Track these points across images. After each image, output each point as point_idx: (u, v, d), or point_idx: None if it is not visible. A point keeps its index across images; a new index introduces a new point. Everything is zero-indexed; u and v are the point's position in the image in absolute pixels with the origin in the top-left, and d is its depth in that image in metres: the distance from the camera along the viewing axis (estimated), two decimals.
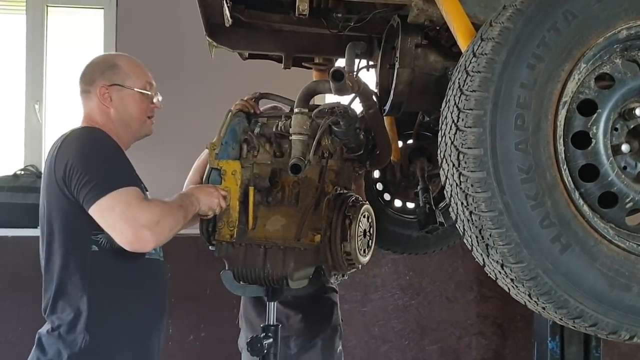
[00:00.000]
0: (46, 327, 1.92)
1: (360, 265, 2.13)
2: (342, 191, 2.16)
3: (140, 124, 2.09)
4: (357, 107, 2.19)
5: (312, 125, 2.10)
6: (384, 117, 2.56)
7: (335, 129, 2.11)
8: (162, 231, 1.83)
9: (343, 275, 2.21)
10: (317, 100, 2.37)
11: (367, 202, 2.17)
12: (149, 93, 2.09)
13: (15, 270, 3.40)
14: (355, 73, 2.18)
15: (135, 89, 2.05)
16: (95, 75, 2.03)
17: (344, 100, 2.17)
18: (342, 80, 1.81)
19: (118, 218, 1.78)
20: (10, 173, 3.56)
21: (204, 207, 2.00)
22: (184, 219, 1.92)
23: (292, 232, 2.12)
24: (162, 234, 1.83)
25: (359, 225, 2.06)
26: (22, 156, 3.73)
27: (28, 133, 3.73)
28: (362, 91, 2.09)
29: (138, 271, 1.98)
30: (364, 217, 2.12)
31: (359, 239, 2.07)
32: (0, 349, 3.42)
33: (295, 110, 2.08)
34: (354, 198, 2.13)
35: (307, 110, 2.08)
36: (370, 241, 2.18)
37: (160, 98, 2.15)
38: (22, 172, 3.57)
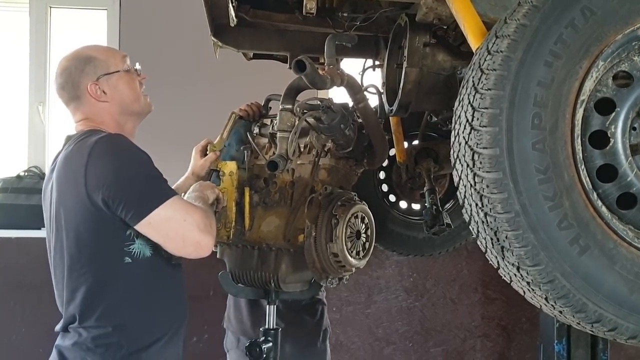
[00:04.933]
0: (68, 340, 1.82)
1: (353, 268, 2.06)
2: (334, 190, 2.10)
3: (140, 104, 1.99)
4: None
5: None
6: (391, 118, 2.54)
7: (319, 125, 2.06)
8: (214, 232, 1.83)
9: (340, 279, 2.14)
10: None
11: (363, 203, 2.12)
12: (131, 67, 1.98)
13: (19, 272, 3.37)
14: (338, 66, 2.11)
15: (121, 70, 1.94)
16: (77, 78, 1.90)
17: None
18: (306, 71, 1.74)
19: (179, 227, 1.75)
20: (14, 174, 3.52)
21: (212, 197, 1.99)
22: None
23: (284, 233, 2.09)
24: (215, 235, 1.83)
25: (347, 226, 2.00)
26: (25, 157, 3.70)
27: (31, 134, 3.70)
28: (348, 84, 2.04)
29: (168, 279, 1.94)
30: (356, 217, 2.05)
31: (348, 240, 2.01)
32: (4, 350, 3.39)
33: (280, 107, 2.04)
34: (345, 197, 2.07)
35: (291, 107, 2.03)
36: (367, 243, 2.12)
37: (139, 66, 2.02)
38: (26, 174, 3.54)
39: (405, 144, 2.76)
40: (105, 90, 1.91)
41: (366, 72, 2.52)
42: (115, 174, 1.73)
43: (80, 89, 1.91)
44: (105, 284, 1.81)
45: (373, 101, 2.29)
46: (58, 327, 1.88)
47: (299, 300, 2.58)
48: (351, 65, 2.79)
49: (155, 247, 1.85)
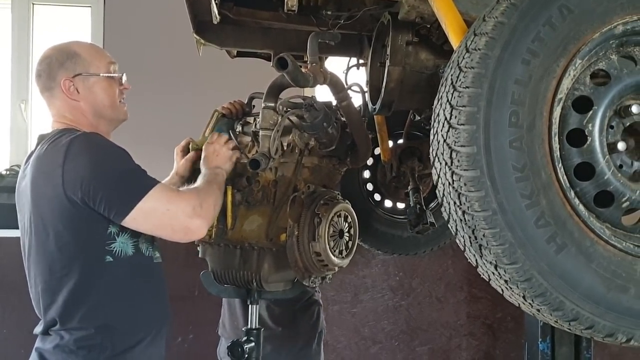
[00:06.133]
0: (49, 343, 1.79)
1: (336, 267, 2.06)
2: (317, 189, 2.10)
3: (114, 111, 1.95)
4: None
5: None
6: (376, 117, 2.54)
7: (302, 123, 2.05)
8: (208, 212, 1.83)
9: (323, 279, 2.14)
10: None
11: (346, 201, 2.11)
12: (115, 75, 1.95)
13: (0, 272, 3.33)
14: (321, 64, 2.11)
15: (101, 74, 1.91)
16: (55, 69, 1.88)
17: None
18: (288, 68, 1.74)
19: (164, 216, 1.75)
20: None
21: (228, 166, 2.02)
22: (220, 190, 1.94)
23: (266, 232, 2.08)
24: (209, 215, 1.84)
25: (330, 225, 2.00)
26: (7, 156, 3.66)
27: (14, 133, 3.67)
28: (330, 82, 2.04)
29: (150, 277, 1.92)
30: (339, 216, 2.05)
31: (331, 239, 2.01)
32: None
33: (263, 105, 2.03)
34: (328, 196, 2.06)
35: (273, 105, 2.02)
36: (350, 242, 2.12)
37: (126, 78, 1.99)
38: (7, 172, 3.50)
39: (390, 143, 2.76)
40: (79, 89, 1.89)
41: (350, 71, 2.51)
42: (92, 173, 1.71)
43: (55, 81, 1.88)
44: (88, 284, 1.78)
45: (358, 100, 2.29)
46: (37, 330, 1.85)
47: (294, 302, 2.57)
48: (336, 64, 2.78)
49: (137, 245, 1.84)
